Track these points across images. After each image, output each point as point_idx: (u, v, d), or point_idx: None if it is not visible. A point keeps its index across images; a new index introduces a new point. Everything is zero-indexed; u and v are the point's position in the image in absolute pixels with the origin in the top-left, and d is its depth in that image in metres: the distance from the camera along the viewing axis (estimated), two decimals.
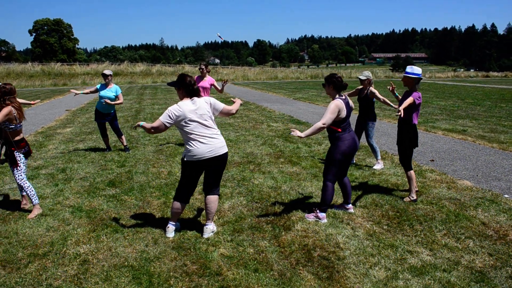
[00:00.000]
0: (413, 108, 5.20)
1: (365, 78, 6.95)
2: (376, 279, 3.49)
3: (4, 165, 7.68)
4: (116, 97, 8.41)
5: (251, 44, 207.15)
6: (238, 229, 4.51)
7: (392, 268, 3.67)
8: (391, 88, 5.93)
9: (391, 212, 4.98)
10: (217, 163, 4.24)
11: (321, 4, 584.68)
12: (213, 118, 4.30)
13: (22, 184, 5.09)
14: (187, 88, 4.22)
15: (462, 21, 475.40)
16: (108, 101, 8.22)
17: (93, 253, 4.04)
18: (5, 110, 4.86)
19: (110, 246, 4.16)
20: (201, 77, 8.65)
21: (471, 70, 68.09)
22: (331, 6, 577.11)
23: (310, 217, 4.79)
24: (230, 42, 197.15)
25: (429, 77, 45.70)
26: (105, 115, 8.53)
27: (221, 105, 4.36)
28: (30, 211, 5.27)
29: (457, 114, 14.10)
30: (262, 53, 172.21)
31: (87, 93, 8.77)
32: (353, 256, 3.88)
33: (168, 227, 4.39)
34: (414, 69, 5.28)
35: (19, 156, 5.08)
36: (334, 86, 4.69)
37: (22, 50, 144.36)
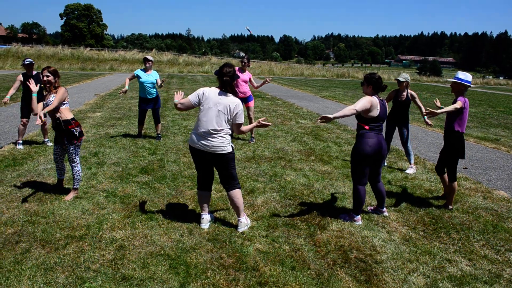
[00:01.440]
0: (455, 113, 5.08)
1: (403, 80, 6.83)
2: (415, 286, 3.43)
3: (40, 145, 7.84)
4: (157, 81, 8.51)
5: (277, 39, 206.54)
6: (272, 225, 4.51)
7: (432, 276, 3.61)
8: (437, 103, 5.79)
9: (427, 218, 4.90)
10: (214, 159, 4.18)
11: (349, 3, 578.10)
12: (227, 120, 4.16)
13: (74, 166, 5.18)
14: (221, 77, 4.16)
15: (494, 26, 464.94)
16: (159, 81, 8.46)
17: (129, 239, 4.08)
18: (62, 89, 5.05)
19: (145, 234, 4.20)
20: (242, 70, 8.62)
21: (501, 77, 66.41)
22: (360, 5, 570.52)
23: (345, 217, 4.74)
24: (256, 36, 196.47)
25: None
26: (149, 100, 8.62)
27: (241, 120, 4.21)
28: (65, 190, 5.37)
29: (488, 122, 13.78)
30: (288, 49, 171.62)
31: (129, 81, 8.88)
32: (391, 261, 3.83)
33: (203, 218, 4.41)
34: (467, 76, 5.16)
35: (77, 133, 5.12)
36: (373, 86, 4.62)
37: (52, 33, 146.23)
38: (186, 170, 6.48)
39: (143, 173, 6.28)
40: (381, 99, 4.63)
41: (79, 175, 5.23)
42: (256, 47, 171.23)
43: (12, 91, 7.64)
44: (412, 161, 6.98)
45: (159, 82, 8.52)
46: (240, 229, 4.33)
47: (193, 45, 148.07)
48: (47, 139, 8.07)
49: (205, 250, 3.89)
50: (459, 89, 5.14)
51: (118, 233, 4.19)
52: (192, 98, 4.22)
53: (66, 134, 5.07)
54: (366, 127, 4.56)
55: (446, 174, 5.37)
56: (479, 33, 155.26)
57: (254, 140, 8.84)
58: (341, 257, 3.87)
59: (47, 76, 4.96)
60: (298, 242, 4.12)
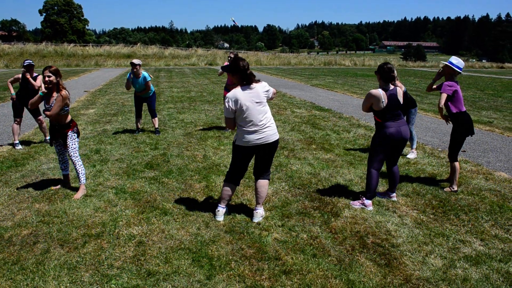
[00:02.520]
0: (447, 99, 5.24)
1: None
2: (434, 267, 3.53)
3: (38, 145, 7.77)
4: (145, 85, 8.43)
5: (261, 29, 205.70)
6: (286, 214, 4.57)
7: (448, 256, 3.71)
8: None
9: (434, 202, 5.01)
10: (268, 149, 4.26)
11: None
12: (266, 104, 4.26)
13: (76, 160, 5.18)
14: (243, 73, 4.16)
15: (476, 10, 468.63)
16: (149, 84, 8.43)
17: (147, 235, 4.11)
18: (64, 93, 4.97)
19: (162, 229, 4.23)
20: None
21: (483, 60, 67.18)
22: None
23: (356, 204, 4.83)
24: (240, 26, 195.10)
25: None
26: (143, 98, 8.69)
27: (272, 89, 4.38)
28: (73, 190, 5.36)
29: (479, 105, 14.01)
30: (272, 38, 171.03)
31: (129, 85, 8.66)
32: (407, 244, 3.93)
33: (218, 210, 4.44)
34: (460, 62, 5.29)
35: (74, 135, 5.19)
36: (381, 75, 4.70)
37: (31, 30, 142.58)
38: (191, 164, 6.50)
39: (148, 168, 6.28)
40: (392, 88, 4.69)
41: (83, 170, 5.24)
42: (240, 37, 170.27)
43: (10, 86, 7.64)
44: (415, 146, 7.08)
45: (149, 85, 8.47)
46: (256, 219, 4.38)
47: (176, 38, 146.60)
48: (48, 137, 8.00)
49: (224, 242, 3.93)
50: (449, 72, 5.29)
51: (135, 229, 4.21)
52: (227, 114, 4.20)
53: (63, 137, 5.16)
54: (378, 120, 4.66)
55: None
56: (461, 17, 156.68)
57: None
58: (358, 242, 3.95)
59: (49, 76, 4.86)
60: (314, 230, 4.19)
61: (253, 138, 4.15)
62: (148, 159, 6.81)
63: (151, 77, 8.58)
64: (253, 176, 4.51)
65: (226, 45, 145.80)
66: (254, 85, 4.19)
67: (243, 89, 4.15)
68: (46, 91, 5.01)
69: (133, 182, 5.66)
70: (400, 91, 4.81)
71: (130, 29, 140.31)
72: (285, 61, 44.60)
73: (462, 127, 5.33)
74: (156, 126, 8.82)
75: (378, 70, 4.75)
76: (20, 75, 7.65)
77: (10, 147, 7.61)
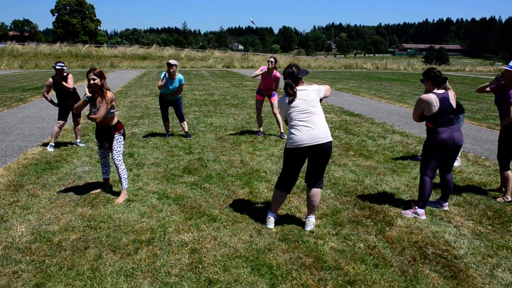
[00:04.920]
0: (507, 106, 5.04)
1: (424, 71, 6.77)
2: (505, 281, 3.38)
3: (69, 147, 7.79)
4: (179, 88, 8.36)
5: (276, 31, 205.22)
6: (338, 223, 4.45)
7: None
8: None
9: (489, 212, 4.83)
10: (320, 153, 4.11)
11: None
12: (319, 105, 4.20)
13: (119, 164, 5.13)
14: (293, 78, 4.22)
15: (503, 10, 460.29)
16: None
17: (199, 242, 4.03)
18: (110, 95, 4.93)
19: (214, 236, 4.15)
20: (269, 72, 8.61)
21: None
22: None
23: (408, 213, 4.69)
24: (255, 28, 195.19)
25: (469, 70, 44.17)
26: (172, 102, 8.58)
27: (323, 88, 4.35)
28: (114, 194, 5.33)
29: None
30: (288, 40, 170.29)
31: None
32: (470, 256, 3.77)
33: (269, 217, 4.35)
34: None
35: (120, 138, 5.15)
36: (432, 81, 4.56)
37: (42, 30, 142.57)
38: (230, 169, 6.43)
39: (187, 173, 6.23)
40: (443, 92, 4.55)
41: (125, 174, 5.19)
42: (255, 39, 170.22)
43: (47, 96, 7.69)
44: (460, 154, 6.89)
45: (182, 89, 8.43)
46: (308, 228, 4.28)
47: (189, 39, 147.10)
48: (79, 140, 8.02)
49: (280, 250, 3.84)
50: (511, 77, 5.09)
51: (186, 236, 4.14)
52: (284, 111, 4.28)
53: (109, 139, 5.14)
54: (430, 125, 4.52)
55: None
56: (487, 18, 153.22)
57: (285, 136, 8.79)
58: (418, 253, 3.82)
59: (93, 79, 4.83)
60: (370, 239, 4.07)
61: (299, 139, 4.06)
62: (185, 163, 6.77)
63: (184, 81, 8.54)
64: (305, 183, 4.40)
65: (241, 47, 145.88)
66: (305, 86, 4.23)
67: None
68: (90, 95, 4.96)
69: (174, 187, 5.62)
70: (452, 95, 4.66)
71: (143, 30, 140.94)
72: (304, 64, 44.38)
73: None
74: (186, 130, 8.77)
75: (427, 76, 4.61)
76: (50, 80, 7.67)
77: (41, 148, 7.65)
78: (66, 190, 5.47)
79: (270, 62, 8.52)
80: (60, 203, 5.03)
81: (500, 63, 55.71)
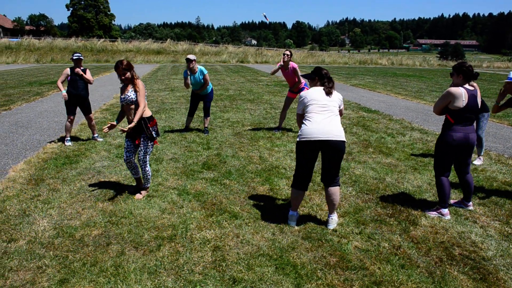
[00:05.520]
0: None
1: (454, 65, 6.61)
2: None
3: (87, 142, 7.80)
4: (204, 79, 8.34)
5: (289, 26, 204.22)
6: (361, 221, 4.39)
7: None
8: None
9: None
10: (332, 150, 4.02)
11: None
12: (338, 109, 4.22)
13: (144, 166, 5.04)
14: (322, 80, 4.28)
15: None
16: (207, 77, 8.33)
17: (221, 239, 4.01)
18: (141, 83, 4.89)
19: (236, 233, 4.12)
20: (285, 65, 8.54)
21: None
22: None
23: (432, 213, 4.60)
24: (268, 23, 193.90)
25: (486, 67, 43.42)
26: (201, 96, 8.56)
27: (342, 105, 4.36)
28: (132, 188, 5.31)
29: None
30: (301, 35, 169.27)
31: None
32: (499, 258, 3.69)
33: (291, 215, 4.31)
34: None
35: (154, 133, 5.00)
36: (464, 75, 4.44)
37: (58, 24, 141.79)
38: (249, 165, 6.39)
39: (206, 169, 6.21)
40: (472, 89, 4.43)
41: (149, 175, 5.14)
42: (269, 34, 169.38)
43: (61, 85, 7.65)
44: (482, 153, 6.75)
45: (207, 78, 8.37)
46: (331, 226, 4.23)
47: (203, 34, 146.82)
48: (96, 135, 8.03)
49: (304, 249, 3.80)
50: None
51: (208, 233, 4.12)
52: (298, 111, 4.32)
53: (143, 132, 4.95)
54: (451, 120, 4.39)
55: None
56: (505, 12, 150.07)
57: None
58: (445, 254, 3.74)
59: (124, 74, 4.82)
60: (395, 239, 4.00)
61: (310, 132, 4.01)
62: (203, 159, 6.75)
63: (207, 70, 8.49)
64: (322, 183, 4.33)
65: (254, 42, 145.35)
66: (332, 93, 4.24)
67: (318, 89, 4.24)
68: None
69: (194, 183, 5.60)
70: (479, 93, 4.54)
71: (156, 24, 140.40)
72: (319, 59, 44.12)
73: None
74: (206, 125, 8.75)
75: (458, 70, 4.47)
76: (68, 71, 7.62)
77: (60, 143, 7.69)
78: (86, 185, 5.49)
79: (285, 55, 8.46)
80: (80, 198, 5.04)
81: None
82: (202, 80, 8.29)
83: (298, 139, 4.14)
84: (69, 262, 3.58)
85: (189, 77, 8.31)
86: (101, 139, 8.00)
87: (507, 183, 5.76)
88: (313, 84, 4.33)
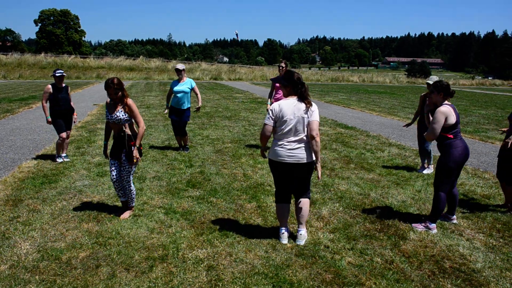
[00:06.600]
0: None
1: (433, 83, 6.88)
2: None
3: (66, 160, 7.57)
4: (192, 90, 8.34)
5: (261, 43, 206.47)
6: (352, 237, 4.43)
7: None
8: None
9: (498, 225, 4.87)
10: (300, 169, 4.11)
11: (334, 5, 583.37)
12: (306, 125, 4.06)
13: (127, 186, 4.93)
14: (296, 87, 4.08)
15: (481, 26, 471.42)
16: (196, 90, 8.41)
17: (214, 258, 3.95)
18: (132, 102, 4.84)
19: (228, 252, 4.08)
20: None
21: (489, 78, 67.22)
22: (345, 6, 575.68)
23: (419, 226, 4.69)
24: (240, 40, 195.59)
25: (452, 84, 45.11)
26: (177, 111, 8.39)
27: (315, 117, 4.07)
28: (116, 209, 5.20)
29: (506, 124, 13.86)
30: (273, 53, 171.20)
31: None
32: (488, 270, 3.78)
33: (283, 233, 4.30)
34: None
35: (136, 152, 4.88)
36: (445, 93, 4.61)
37: (25, 40, 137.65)
38: (234, 183, 6.37)
39: (191, 187, 6.15)
40: (451, 104, 4.61)
41: (134, 194, 5.04)
42: (240, 51, 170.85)
43: (46, 108, 7.46)
44: (431, 163, 7.16)
45: (197, 90, 8.40)
46: (300, 242, 4.24)
47: (174, 51, 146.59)
48: (64, 154, 7.72)
49: (298, 266, 3.79)
50: None
51: (200, 253, 4.06)
52: (266, 120, 4.12)
53: (126, 150, 4.86)
54: (450, 136, 4.54)
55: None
56: (467, 33, 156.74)
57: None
58: (436, 267, 3.81)
59: (117, 93, 4.72)
60: (386, 254, 4.05)
61: (280, 154, 4.06)
62: (187, 177, 6.68)
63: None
64: (293, 195, 4.35)
65: (226, 59, 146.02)
66: (301, 101, 4.07)
67: (289, 102, 4.07)
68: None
69: (180, 202, 5.53)
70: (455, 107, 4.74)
71: (127, 41, 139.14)
72: None
73: None
74: (186, 143, 8.68)
75: (438, 88, 4.63)
76: (50, 88, 7.35)
77: (36, 161, 7.47)
78: (68, 205, 5.33)
79: (281, 67, 8.25)
80: (63, 219, 4.89)
81: (480, 77, 57.04)
82: (188, 91, 8.29)
83: (268, 157, 4.25)
84: (57, 287, 3.45)
85: (176, 86, 8.27)
86: (68, 159, 7.72)
87: (486, 196, 5.95)
88: (285, 90, 4.16)
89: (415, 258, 3.97)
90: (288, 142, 4.05)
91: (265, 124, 4.10)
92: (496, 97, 28.08)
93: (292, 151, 4.04)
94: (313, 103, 4.10)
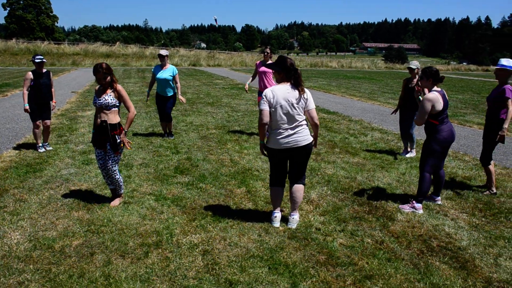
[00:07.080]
0: (501, 102, 5.26)
1: (415, 67, 7.08)
2: (509, 269, 3.56)
3: (49, 149, 7.45)
4: (173, 79, 8.29)
5: (239, 29, 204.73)
6: (342, 219, 4.55)
7: None
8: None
9: (480, 205, 5.07)
10: (299, 154, 4.18)
11: None
12: (302, 111, 4.15)
13: (114, 175, 4.89)
14: (289, 73, 4.11)
15: (457, 12, 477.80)
16: (182, 98, 8.40)
17: (209, 243, 4.01)
18: (121, 88, 4.82)
19: (222, 236, 4.14)
20: (263, 62, 8.40)
21: (464, 63, 68.58)
22: None
23: (406, 208, 4.84)
24: (217, 26, 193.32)
25: (495, 71, 45.59)
26: (163, 98, 8.35)
27: (312, 105, 4.19)
28: (105, 197, 5.19)
29: (482, 108, 14.23)
30: (250, 38, 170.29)
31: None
32: (472, 247, 3.96)
33: (275, 216, 4.38)
34: (511, 62, 5.33)
35: (120, 141, 4.81)
36: (433, 79, 4.72)
37: None
38: (221, 168, 6.41)
39: (179, 174, 6.16)
40: (440, 89, 4.73)
41: (121, 181, 5.00)
42: (218, 37, 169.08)
43: (26, 93, 7.25)
44: (414, 147, 7.41)
45: (177, 79, 8.36)
46: (292, 225, 4.33)
47: (151, 37, 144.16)
48: (46, 143, 7.59)
49: (292, 248, 3.88)
50: (505, 75, 5.31)
51: (194, 238, 4.11)
52: (262, 106, 4.11)
53: (110, 140, 4.76)
54: (436, 122, 4.66)
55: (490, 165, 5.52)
56: (442, 19, 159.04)
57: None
58: (424, 246, 3.96)
59: (105, 78, 4.69)
60: (376, 234, 4.19)
61: (279, 142, 4.11)
62: (174, 163, 6.69)
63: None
64: (289, 180, 4.43)
65: (203, 45, 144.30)
66: (294, 87, 4.10)
67: (282, 88, 4.10)
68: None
69: (169, 188, 5.55)
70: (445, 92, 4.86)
71: (102, 27, 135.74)
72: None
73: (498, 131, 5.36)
74: (171, 129, 8.65)
75: (428, 74, 4.74)
76: (30, 75, 7.16)
77: (17, 151, 7.32)
78: (56, 194, 5.28)
79: (266, 54, 8.31)
80: (52, 208, 4.85)
81: (455, 62, 58.09)
82: (170, 79, 8.23)
83: (267, 145, 4.27)
84: (53, 275, 3.45)
85: (157, 76, 8.22)
86: (50, 148, 7.60)
87: (467, 178, 6.16)
88: (278, 76, 4.18)
89: (404, 238, 4.12)
90: (284, 129, 4.09)
91: (261, 110, 4.10)
92: (471, 82, 28.73)
93: (290, 137, 4.09)
94: (306, 90, 4.14)
